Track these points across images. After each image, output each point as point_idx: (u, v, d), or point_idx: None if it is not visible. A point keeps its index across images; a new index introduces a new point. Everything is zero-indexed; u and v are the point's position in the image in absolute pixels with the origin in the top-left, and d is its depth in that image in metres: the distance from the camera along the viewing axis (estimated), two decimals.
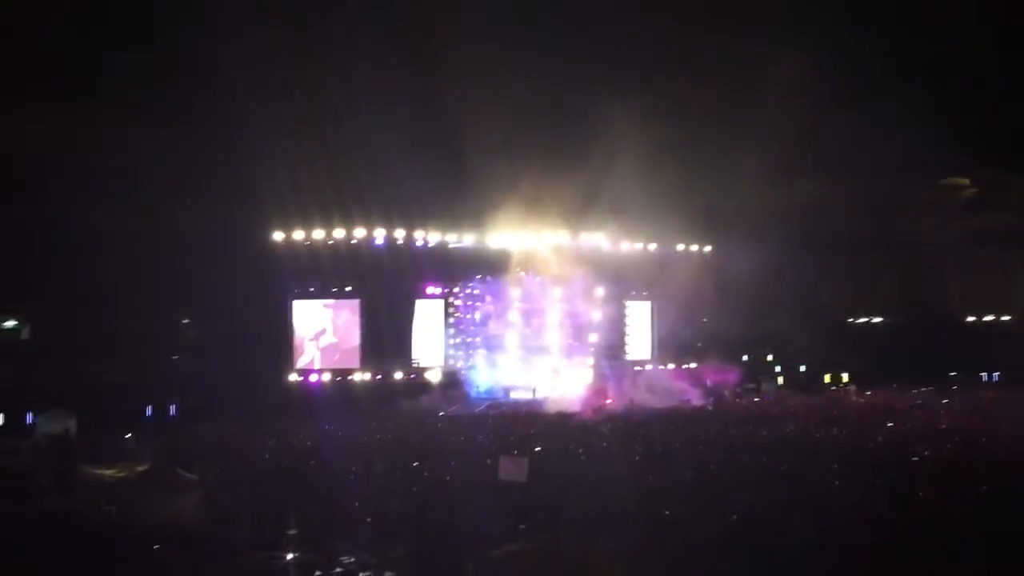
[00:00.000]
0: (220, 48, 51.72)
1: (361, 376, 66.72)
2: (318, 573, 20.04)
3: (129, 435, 44.65)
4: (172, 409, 55.97)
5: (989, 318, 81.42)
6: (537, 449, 38.64)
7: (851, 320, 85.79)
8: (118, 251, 58.90)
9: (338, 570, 20.31)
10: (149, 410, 54.64)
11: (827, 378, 78.81)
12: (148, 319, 60.93)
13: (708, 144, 71.27)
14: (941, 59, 66.07)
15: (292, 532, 22.95)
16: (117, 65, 56.03)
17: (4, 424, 51.29)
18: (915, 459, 33.39)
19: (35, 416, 50.08)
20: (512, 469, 30.26)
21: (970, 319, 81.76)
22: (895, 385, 67.38)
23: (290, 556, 20.81)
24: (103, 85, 57.46)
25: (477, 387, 68.35)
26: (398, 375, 67.56)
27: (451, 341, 70.01)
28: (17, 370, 57.78)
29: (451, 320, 70.06)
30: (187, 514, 27.06)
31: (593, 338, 73.13)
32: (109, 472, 30.90)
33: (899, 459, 34.21)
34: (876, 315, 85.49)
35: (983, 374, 74.08)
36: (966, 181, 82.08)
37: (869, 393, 65.04)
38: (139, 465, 31.45)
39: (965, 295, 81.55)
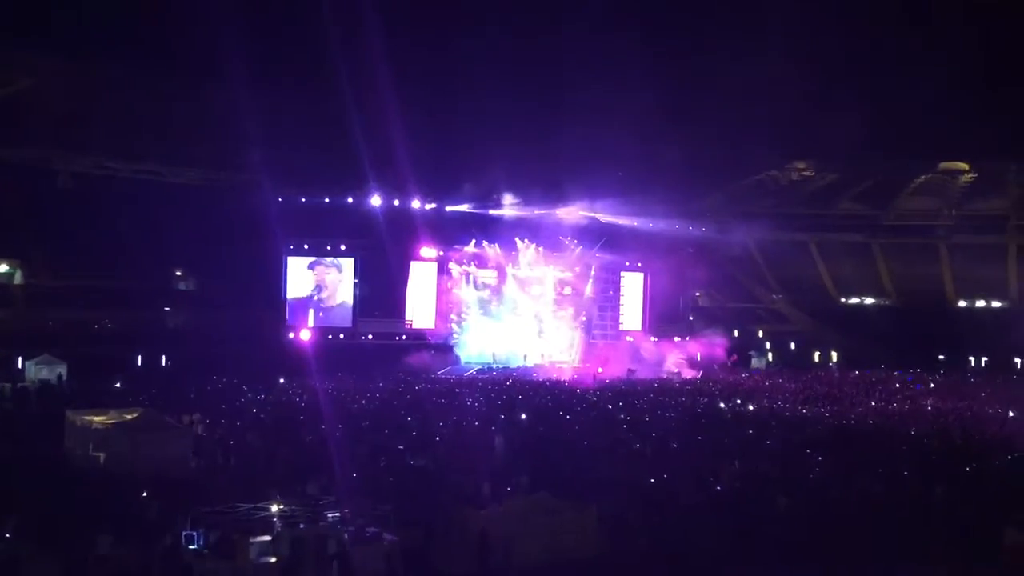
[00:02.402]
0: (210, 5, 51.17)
1: (353, 335, 66.77)
2: (302, 526, 20.14)
3: (117, 383, 44.70)
4: (163, 359, 55.96)
5: (980, 304, 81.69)
6: (523, 416, 38.90)
7: (843, 300, 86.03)
8: (114, 201, 58.62)
9: (322, 524, 20.42)
10: (140, 359, 54.62)
11: (816, 356, 79.17)
12: (142, 269, 60.77)
13: (705, 120, 71.27)
14: (939, 40, 65.87)
15: (278, 485, 23.07)
16: (119, 20, 55.62)
17: None
18: (900, 442, 33.64)
19: (25, 361, 50.14)
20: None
21: (961, 304, 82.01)
22: (883, 366, 67.69)
23: (275, 508, 20.89)
24: (104, 39, 56.92)
25: (468, 351, 68.50)
26: (390, 335, 67.63)
27: (444, 304, 69.98)
28: (8, 315, 57.68)
29: (444, 283, 69.98)
30: (175, 463, 27.14)
31: (586, 307, 73.38)
32: (98, 419, 30.85)
33: (885, 438, 34.55)
34: (868, 296, 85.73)
35: (971, 359, 74.41)
36: (965, 165, 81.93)
37: (857, 373, 65.35)
38: (128, 413, 31.41)
39: (958, 280, 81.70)
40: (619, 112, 64.86)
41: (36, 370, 48.91)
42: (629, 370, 63.33)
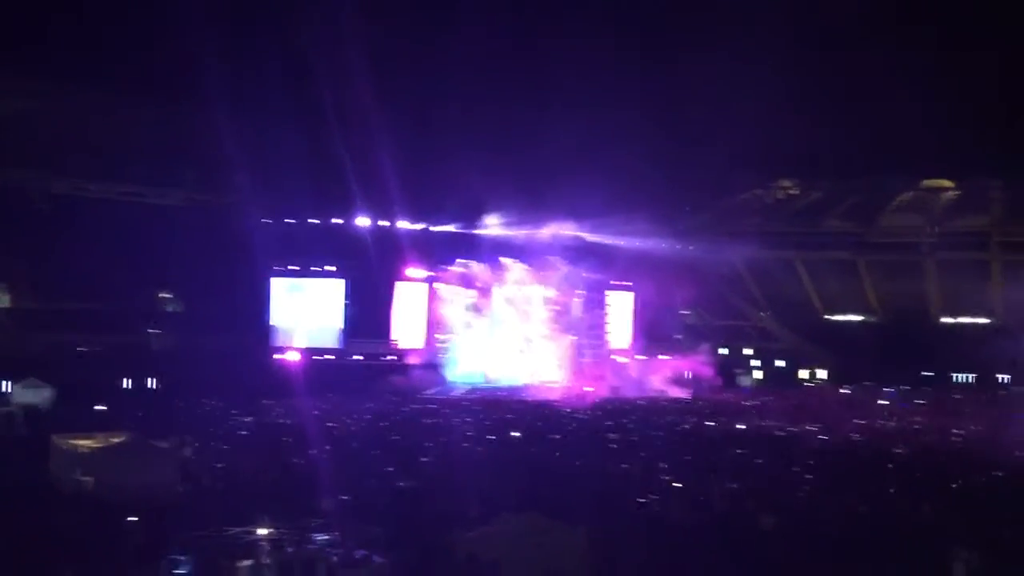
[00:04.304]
0: (203, 31, 51.24)
1: (340, 356, 66.54)
2: (290, 549, 20.02)
3: (103, 407, 44.37)
4: (150, 382, 55.63)
5: (965, 320, 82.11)
6: (515, 434, 38.88)
7: (829, 317, 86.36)
8: (99, 224, 58.42)
9: (310, 547, 20.30)
10: (127, 382, 54.30)
11: (804, 373, 79.36)
12: (128, 292, 60.54)
13: (691, 140, 71.71)
14: (924, 61, 66.52)
15: (265, 508, 22.91)
16: (100, 40, 55.57)
17: None
18: (886, 460, 33.76)
19: (10, 385, 49.76)
20: None
21: (946, 320, 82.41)
22: (868, 383, 67.90)
23: (263, 531, 20.76)
24: (85, 60, 56.83)
25: (456, 371, 68.39)
26: (378, 356, 67.45)
27: (432, 324, 69.89)
28: None
29: (432, 303, 69.92)
30: (161, 487, 26.96)
31: (574, 326, 73.43)
32: (84, 443, 30.60)
33: (872, 456, 34.65)
34: (854, 313, 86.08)
35: (956, 375, 74.75)
36: (948, 183, 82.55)
37: (844, 390, 65.53)
38: (115, 437, 31.16)
39: (942, 296, 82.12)
40: (604, 128, 65.22)
41: (22, 394, 48.55)
42: (613, 389, 63.39)
